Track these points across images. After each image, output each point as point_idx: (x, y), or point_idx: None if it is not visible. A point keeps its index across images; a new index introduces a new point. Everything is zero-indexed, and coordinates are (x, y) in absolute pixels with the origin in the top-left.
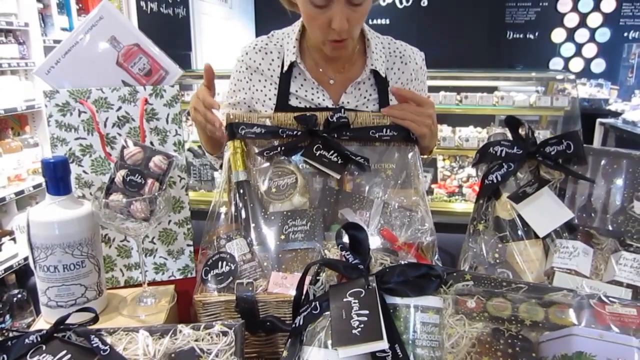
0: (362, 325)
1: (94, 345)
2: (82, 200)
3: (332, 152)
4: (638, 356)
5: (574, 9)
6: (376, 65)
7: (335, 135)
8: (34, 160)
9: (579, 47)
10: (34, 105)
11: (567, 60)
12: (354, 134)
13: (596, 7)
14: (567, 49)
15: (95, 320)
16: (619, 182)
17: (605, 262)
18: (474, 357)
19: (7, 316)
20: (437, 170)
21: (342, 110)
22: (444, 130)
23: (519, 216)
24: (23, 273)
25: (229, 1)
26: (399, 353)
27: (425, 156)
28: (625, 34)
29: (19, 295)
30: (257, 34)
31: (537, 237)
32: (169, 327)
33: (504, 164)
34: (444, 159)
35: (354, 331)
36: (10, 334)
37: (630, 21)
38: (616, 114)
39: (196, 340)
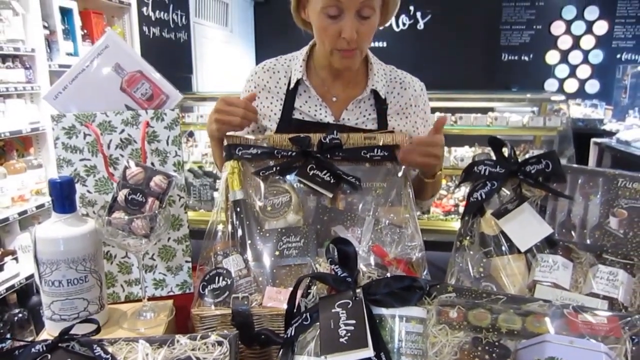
0: (349, 334)
1: (97, 354)
2: (86, 218)
3: (325, 171)
4: None
5: (567, 31)
6: (377, 86)
7: (328, 156)
8: (37, 181)
9: (573, 68)
10: (38, 128)
11: (561, 81)
12: (346, 154)
13: (589, 30)
14: (562, 71)
15: (97, 331)
16: (596, 198)
17: (584, 275)
18: None
19: (8, 335)
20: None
21: (335, 132)
22: None
23: (502, 232)
24: (24, 293)
25: (229, 25)
26: None
27: (429, 180)
28: (618, 56)
29: (20, 315)
30: (257, 57)
31: (519, 252)
32: (167, 337)
33: (487, 182)
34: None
35: (341, 340)
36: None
37: (622, 43)
38: (610, 134)
39: (193, 350)
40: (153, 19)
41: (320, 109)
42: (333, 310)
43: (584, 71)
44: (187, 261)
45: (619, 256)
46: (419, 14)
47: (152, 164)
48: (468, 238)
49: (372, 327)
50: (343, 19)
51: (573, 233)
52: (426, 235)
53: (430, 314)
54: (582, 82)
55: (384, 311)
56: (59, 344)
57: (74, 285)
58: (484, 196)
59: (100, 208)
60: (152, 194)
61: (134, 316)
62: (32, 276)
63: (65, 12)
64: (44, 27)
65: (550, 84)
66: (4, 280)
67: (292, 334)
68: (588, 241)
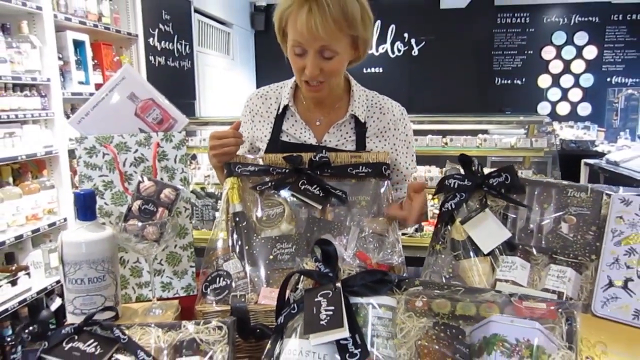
0: (328, 318)
1: (116, 335)
2: (105, 225)
3: (315, 186)
4: (538, 335)
5: (558, 56)
6: (356, 111)
7: (318, 172)
8: (49, 201)
9: (565, 91)
10: (51, 152)
11: (554, 104)
12: (334, 171)
13: (579, 55)
14: (554, 94)
15: (116, 317)
16: (550, 207)
17: (540, 274)
18: (418, 344)
19: (19, 347)
20: (427, 209)
21: (324, 151)
22: (432, 171)
23: (470, 238)
24: (35, 307)
25: (231, 53)
26: (358, 341)
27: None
28: (608, 79)
29: (31, 328)
30: (257, 83)
31: (484, 255)
32: (175, 323)
33: (457, 194)
34: (432, 198)
35: (321, 322)
36: None
37: (612, 67)
38: (603, 155)
39: (197, 333)
40: (159, 48)
41: (304, 131)
42: (316, 299)
43: (575, 94)
44: (191, 266)
45: (568, 256)
46: (413, 41)
47: (162, 179)
48: (440, 243)
49: (349, 313)
50: (307, 57)
51: (531, 237)
52: (420, 252)
53: (400, 303)
54: (574, 105)
55: (359, 300)
56: (84, 328)
57: (93, 283)
58: (453, 206)
59: (115, 218)
60: (162, 204)
61: (145, 313)
62: (43, 291)
63: (78, 44)
64: (59, 58)
65: (543, 107)
66: (17, 294)
67: (282, 321)
68: (543, 244)
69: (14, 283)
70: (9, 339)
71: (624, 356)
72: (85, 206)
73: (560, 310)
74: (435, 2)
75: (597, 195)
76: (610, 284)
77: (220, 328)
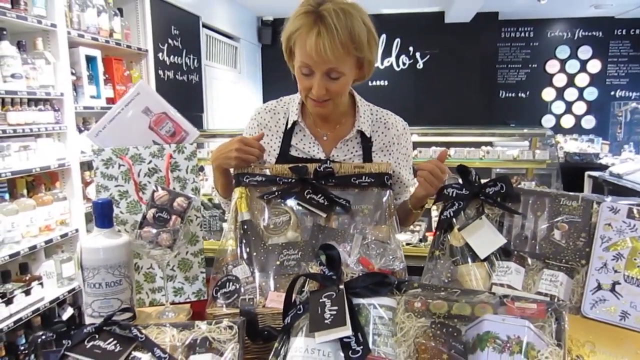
0: (332, 317)
1: (134, 334)
2: (121, 232)
3: (320, 195)
4: (527, 332)
5: (562, 70)
6: (362, 127)
7: (323, 182)
8: (62, 213)
9: (569, 105)
10: (64, 164)
11: (558, 117)
12: (338, 181)
13: (583, 69)
14: (558, 107)
15: (133, 317)
16: (544, 215)
17: (534, 278)
18: (417, 342)
19: (32, 356)
20: (432, 220)
21: (328, 161)
22: None
23: (467, 244)
24: (47, 317)
25: (238, 67)
26: (360, 339)
27: (417, 211)
28: (612, 93)
29: (44, 337)
30: (264, 96)
31: (481, 260)
32: (188, 323)
33: (455, 202)
34: (436, 209)
35: (326, 321)
36: None
37: (615, 81)
38: (607, 168)
39: (209, 332)
40: (168, 63)
41: (313, 146)
42: (320, 300)
43: (579, 107)
44: (201, 272)
45: (560, 262)
46: (418, 55)
47: (174, 188)
48: (439, 249)
49: (352, 313)
50: (313, 78)
51: (525, 244)
52: (424, 261)
53: (399, 304)
54: (578, 118)
55: (361, 301)
56: (104, 327)
57: (111, 287)
58: (452, 214)
59: (130, 226)
60: (175, 212)
61: (158, 316)
62: (55, 300)
63: (90, 60)
64: (72, 73)
65: (548, 120)
66: (31, 303)
67: (289, 321)
68: (537, 250)
69: (27, 293)
70: (22, 348)
71: (611, 355)
72: (103, 214)
73: (549, 310)
74: (440, 16)
75: (587, 204)
76: (599, 287)
77: (231, 327)
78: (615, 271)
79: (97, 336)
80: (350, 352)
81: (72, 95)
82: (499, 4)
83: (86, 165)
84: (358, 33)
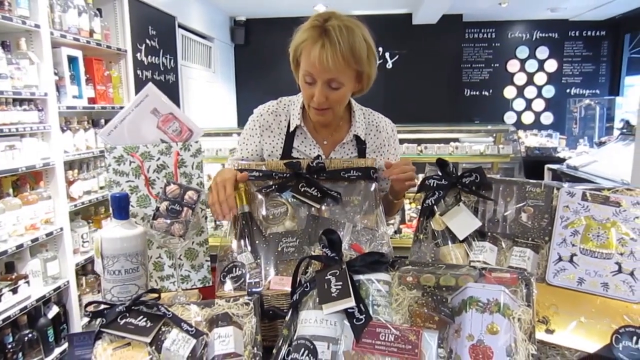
0: (337, 291)
1: (162, 311)
2: (137, 224)
3: (313, 188)
4: (503, 296)
5: (522, 69)
6: (358, 131)
7: (315, 176)
8: (47, 211)
9: (529, 102)
10: (49, 163)
11: (519, 114)
12: (329, 175)
13: (541, 68)
14: (519, 104)
15: (158, 298)
16: (512, 200)
17: (505, 255)
18: (411, 309)
19: (20, 354)
20: (405, 213)
21: (320, 157)
22: None
23: (447, 228)
24: (33, 316)
25: (212, 66)
26: (362, 309)
27: (397, 201)
28: (568, 90)
29: (30, 335)
30: (238, 95)
31: (460, 242)
32: (209, 301)
33: (435, 191)
34: (410, 203)
35: (332, 294)
36: None
37: (570, 79)
38: (564, 161)
39: (229, 308)
40: (145, 63)
41: (314, 149)
42: (326, 277)
43: (538, 104)
44: (207, 260)
45: (527, 240)
46: (387, 55)
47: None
48: (423, 233)
49: (353, 288)
50: (315, 87)
51: (497, 226)
52: (398, 252)
53: (394, 279)
54: (538, 115)
55: (361, 277)
56: (133, 307)
57: (129, 274)
58: (433, 202)
59: (140, 219)
60: (186, 204)
61: (170, 301)
62: (41, 299)
63: (72, 60)
64: (54, 73)
65: (509, 116)
66: (17, 302)
67: (297, 298)
68: (507, 231)
69: (14, 291)
70: (9, 346)
71: (571, 314)
72: (121, 207)
73: (520, 278)
74: (407, 18)
75: (549, 190)
76: (560, 259)
77: (247, 304)
78: (573, 245)
79: (127, 315)
80: (354, 320)
81: (55, 95)
82: (463, 7)
83: (69, 165)
84: (358, 48)
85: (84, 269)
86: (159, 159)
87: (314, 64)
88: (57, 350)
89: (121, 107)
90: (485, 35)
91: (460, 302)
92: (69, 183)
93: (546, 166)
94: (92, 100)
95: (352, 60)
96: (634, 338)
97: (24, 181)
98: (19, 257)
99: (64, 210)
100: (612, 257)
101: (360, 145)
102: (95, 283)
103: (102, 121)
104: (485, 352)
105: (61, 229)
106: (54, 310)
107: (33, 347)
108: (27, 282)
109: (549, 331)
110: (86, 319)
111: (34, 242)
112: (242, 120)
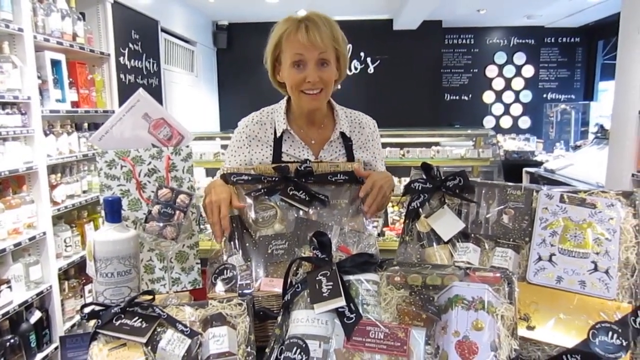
0: (328, 291)
1: (157, 312)
2: (129, 227)
3: (301, 192)
4: (487, 294)
5: (500, 74)
6: (343, 128)
7: (303, 180)
8: (29, 216)
9: (507, 106)
10: (32, 167)
11: (497, 118)
12: (316, 178)
13: (518, 73)
14: (497, 109)
15: (152, 299)
16: (494, 203)
17: (488, 256)
18: (399, 308)
19: (2, 359)
20: (388, 216)
21: (307, 161)
22: None
23: (432, 230)
24: (15, 321)
25: (195, 70)
26: (353, 308)
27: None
28: (545, 95)
29: (12, 340)
30: (220, 99)
31: (444, 243)
32: (203, 302)
33: (420, 194)
34: (392, 206)
35: (324, 294)
36: None
37: (547, 84)
38: (541, 164)
39: (223, 309)
40: (129, 67)
41: (303, 150)
42: (317, 278)
43: (516, 109)
44: (197, 263)
45: (509, 240)
46: (369, 60)
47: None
48: (408, 235)
49: (344, 288)
50: (307, 68)
51: (480, 227)
52: (382, 254)
53: (382, 279)
54: (515, 119)
55: (351, 277)
56: (128, 308)
57: (122, 276)
58: (418, 205)
59: (131, 222)
60: (178, 208)
61: (162, 303)
62: (24, 303)
63: (55, 64)
64: (38, 77)
65: (488, 121)
66: (0, 307)
67: (289, 298)
68: (490, 232)
69: None
70: None
71: (551, 311)
72: (113, 210)
73: (502, 277)
74: (388, 23)
75: (529, 192)
76: (540, 259)
77: (240, 304)
78: (552, 245)
79: (123, 316)
80: (345, 319)
81: (38, 99)
82: (442, 13)
83: (52, 169)
84: (337, 30)
85: (67, 274)
86: (150, 163)
87: (303, 44)
88: (40, 356)
89: (104, 111)
90: (464, 41)
91: (446, 301)
92: (52, 187)
93: (524, 169)
94: (75, 104)
95: (333, 39)
96: (610, 333)
97: (6, 185)
98: (1, 262)
99: (46, 215)
100: (588, 257)
101: (347, 142)
102: (78, 288)
103: (85, 125)
104: (470, 348)
105: (44, 233)
106: (37, 315)
107: (15, 352)
108: (9, 287)
109: (530, 328)
110: (69, 324)
111: (16, 247)
112: (224, 125)
